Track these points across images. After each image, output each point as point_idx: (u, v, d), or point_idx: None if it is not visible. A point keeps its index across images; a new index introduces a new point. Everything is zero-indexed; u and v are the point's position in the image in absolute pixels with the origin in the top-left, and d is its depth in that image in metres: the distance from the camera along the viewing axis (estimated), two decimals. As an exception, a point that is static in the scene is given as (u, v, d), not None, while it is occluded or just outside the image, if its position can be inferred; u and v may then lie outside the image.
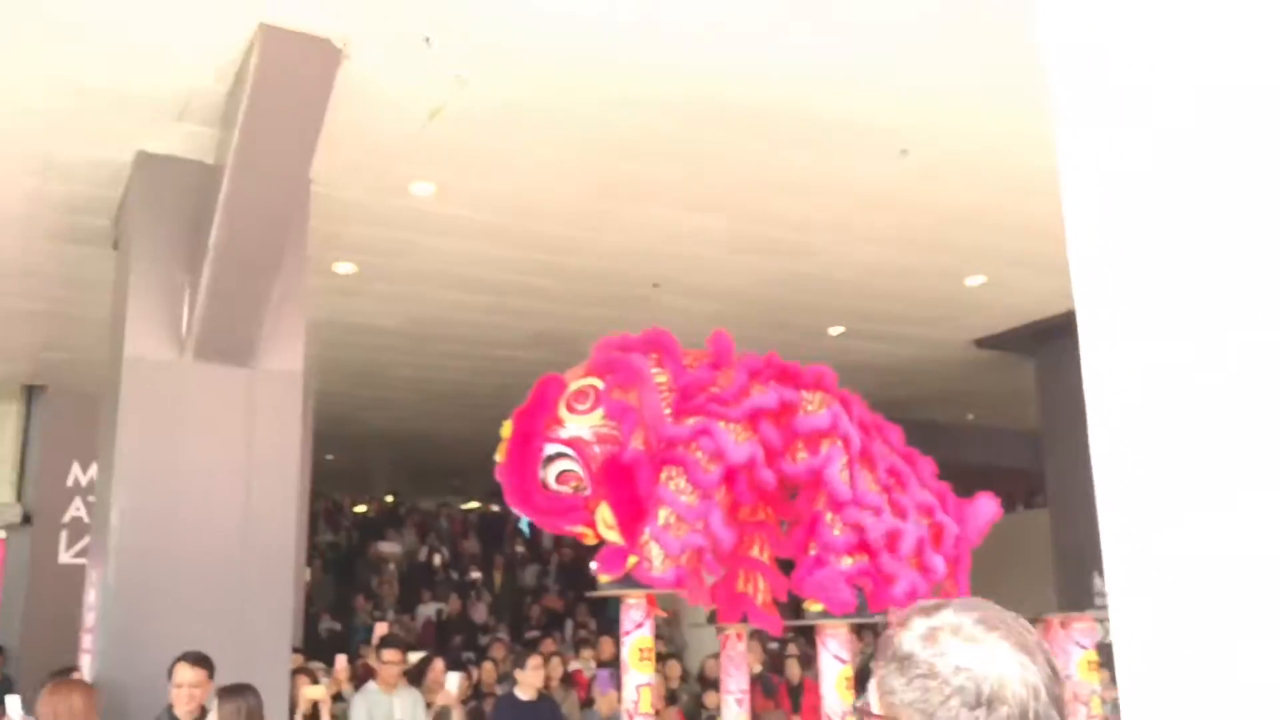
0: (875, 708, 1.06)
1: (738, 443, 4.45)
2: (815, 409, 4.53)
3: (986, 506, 4.84)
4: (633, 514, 4.47)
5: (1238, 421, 1.06)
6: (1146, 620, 1.14)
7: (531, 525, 17.55)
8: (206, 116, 5.32)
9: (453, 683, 6.20)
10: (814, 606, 4.28)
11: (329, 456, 13.41)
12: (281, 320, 5.63)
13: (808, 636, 10.81)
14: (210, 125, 5.39)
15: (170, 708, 4.61)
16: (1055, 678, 1.02)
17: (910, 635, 1.05)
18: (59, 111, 5.21)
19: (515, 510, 4.91)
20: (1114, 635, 1.16)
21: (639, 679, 4.30)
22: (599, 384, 4.59)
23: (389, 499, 17.28)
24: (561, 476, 4.61)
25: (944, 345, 10.29)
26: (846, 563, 4.33)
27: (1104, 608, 8.62)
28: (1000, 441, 12.97)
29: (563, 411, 4.60)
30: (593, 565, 16.44)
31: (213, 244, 5.11)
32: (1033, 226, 7.26)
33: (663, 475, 4.55)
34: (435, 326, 9.20)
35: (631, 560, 4.36)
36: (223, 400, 5.49)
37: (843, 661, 4.31)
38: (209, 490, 5.36)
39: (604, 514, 4.59)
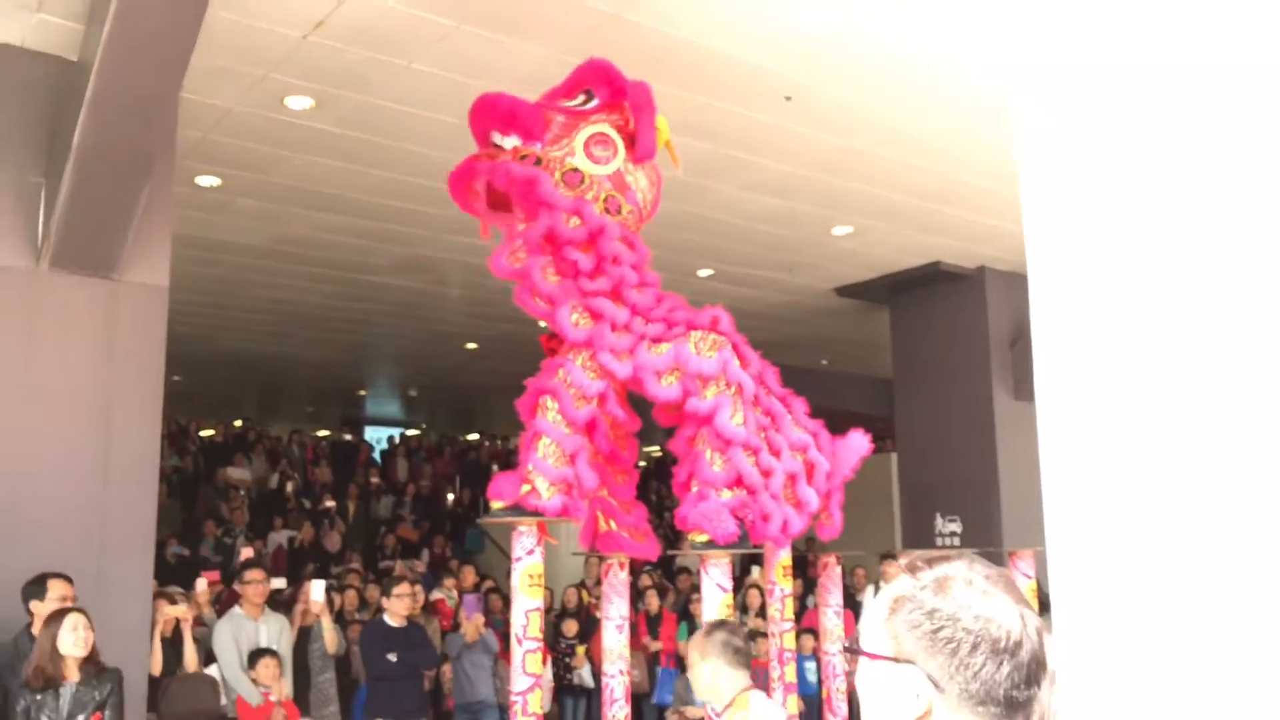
0: (880, 650, 1.14)
1: (591, 379, 4.58)
2: (707, 352, 4.63)
3: (858, 443, 5.07)
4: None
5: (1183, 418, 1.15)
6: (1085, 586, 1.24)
7: (385, 456, 17.28)
8: (65, 8, 4.99)
9: (319, 591, 5.98)
10: (698, 538, 4.42)
11: (175, 377, 12.84)
12: (147, 231, 5.35)
13: (664, 569, 11.12)
14: (67, 18, 5.05)
15: (29, 627, 4.43)
16: (1046, 625, 1.16)
17: (923, 588, 1.14)
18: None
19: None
20: (1053, 588, 1.28)
21: (528, 604, 4.37)
22: (623, 157, 4.90)
23: (237, 424, 16.72)
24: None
25: (807, 292, 10.60)
26: (726, 495, 4.49)
27: (944, 547, 9.17)
28: (851, 387, 13.49)
29: (581, 138, 4.84)
30: (449, 498, 16.18)
31: (76, 145, 4.79)
32: (900, 181, 7.54)
33: (539, 406, 4.64)
34: (301, 247, 8.91)
35: (524, 489, 4.40)
36: (82, 313, 5.21)
37: (724, 590, 4.48)
38: (67, 407, 5.10)
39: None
